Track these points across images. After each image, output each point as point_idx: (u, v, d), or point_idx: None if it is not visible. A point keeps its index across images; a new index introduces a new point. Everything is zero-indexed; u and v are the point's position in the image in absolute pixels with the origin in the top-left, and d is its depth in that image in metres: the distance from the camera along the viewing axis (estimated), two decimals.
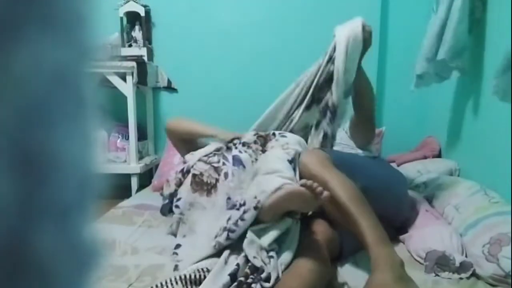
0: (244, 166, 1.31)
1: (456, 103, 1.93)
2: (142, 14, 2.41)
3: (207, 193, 1.31)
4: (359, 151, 1.54)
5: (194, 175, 1.34)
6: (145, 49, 2.44)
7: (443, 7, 1.68)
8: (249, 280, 0.95)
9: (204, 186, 1.32)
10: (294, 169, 1.24)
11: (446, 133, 2.04)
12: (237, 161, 1.32)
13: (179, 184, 1.38)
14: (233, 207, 1.21)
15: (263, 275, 0.97)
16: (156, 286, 0.95)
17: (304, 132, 1.51)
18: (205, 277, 0.98)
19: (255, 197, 1.11)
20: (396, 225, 1.35)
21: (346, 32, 1.41)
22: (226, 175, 1.31)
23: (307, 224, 1.18)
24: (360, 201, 1.09)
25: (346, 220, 1.10)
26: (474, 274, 1.06)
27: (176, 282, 0.96)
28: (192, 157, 1.41)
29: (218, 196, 1.28)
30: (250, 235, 1.06)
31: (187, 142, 1.58)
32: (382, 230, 1.05)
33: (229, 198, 1.25)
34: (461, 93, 1.87)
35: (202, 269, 1.02)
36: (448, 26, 1.65)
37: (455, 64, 1.68)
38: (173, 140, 1.66)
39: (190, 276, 0.98)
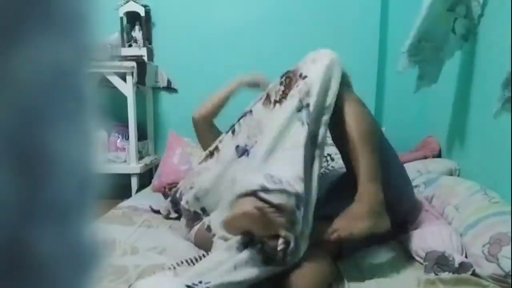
0: (251, 112, 1.26)
1: (456, 103, 1.93)
2: (142, 14, 2.41)
3: (211, 156, 1.33)
4: None
5: (204, 157, 1.37)
6: (145, 49, 2.44)
7: None
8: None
9: (208, 154, 1.35)
10: (316, 134, 1.10)
11: (446, 133, 2.04)
12: (248, 112, 1.29)
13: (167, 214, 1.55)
14: (243, 152, 1.21)
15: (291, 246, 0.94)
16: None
17: None
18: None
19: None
20: (397, 221, 1.35)
21: None
22: (233, 131, 1.29)
23: None
24: (369, 139, 1.10)
25: (349, 154, 1.12)
26: (474, 274, 1.06)
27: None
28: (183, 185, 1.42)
29: (223, 151, 1.28)
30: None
31: (214, 131, 1.58)
32: (377, 169, 1.09)
33: (237, 146, 1.24)
34: (461, 93, 1.87)
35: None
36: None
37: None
38: (202, 131, 1.62)
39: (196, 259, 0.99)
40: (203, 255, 1.14)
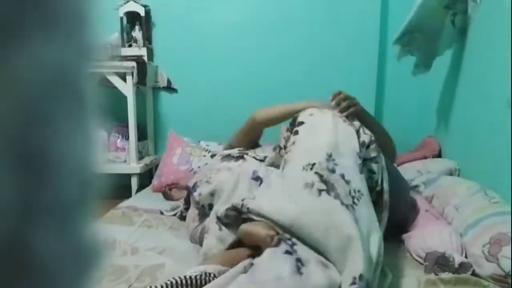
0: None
1: (456, 103, 1.93)
2: (142, 14, 2.41)
3: (236, 160, 1.40)
4: None
5: (227, 155, 1.45)
6: (145, 49, 2.44)
7: None
8: None
9: (232, 158, 1.42)
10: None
11: (446, 133, 2.04)
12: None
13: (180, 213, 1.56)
14: (257, 179, 1.29)
15: None
16: (166, 284, 0.94)
17: None
18: (210, 281, 0.97)
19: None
20: (397, 224, 1.35)
21: None
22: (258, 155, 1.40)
23: None
24: None
25: None
26: (474, 274, 1.06)
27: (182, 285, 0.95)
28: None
29: (247, 164, 1.35)
30: None
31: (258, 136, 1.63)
32: None
33: (255, 171, 1.31)
34: (461, 93, 1.87)
35: (210, 273, 1.01)
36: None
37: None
38: (251, 130, 1.59)
39: (195, 277, 0.97)
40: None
